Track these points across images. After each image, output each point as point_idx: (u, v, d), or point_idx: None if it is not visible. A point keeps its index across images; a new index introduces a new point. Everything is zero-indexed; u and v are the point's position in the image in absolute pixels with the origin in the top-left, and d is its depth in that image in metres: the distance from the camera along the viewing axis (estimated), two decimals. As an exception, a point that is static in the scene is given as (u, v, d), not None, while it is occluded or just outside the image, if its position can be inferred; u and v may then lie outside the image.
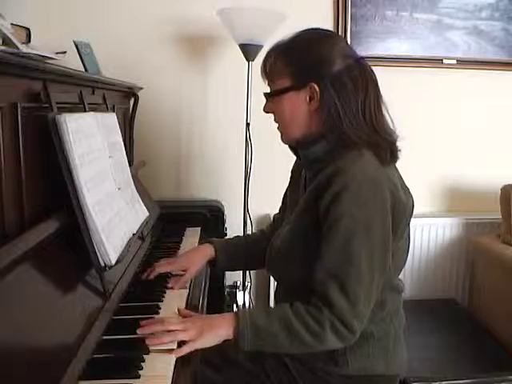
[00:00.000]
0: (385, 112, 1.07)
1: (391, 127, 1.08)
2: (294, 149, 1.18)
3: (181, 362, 0.92)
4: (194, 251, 1.39)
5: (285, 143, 1.16)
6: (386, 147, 1.05)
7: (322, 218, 1.00)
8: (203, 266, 1.34)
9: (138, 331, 0.96)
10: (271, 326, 0.97)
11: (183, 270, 1.29)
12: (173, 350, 0.93)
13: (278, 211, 1.35)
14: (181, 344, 0.95)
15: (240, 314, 1.00)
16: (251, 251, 1.34)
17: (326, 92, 1.02)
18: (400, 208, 1.02)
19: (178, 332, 0.96)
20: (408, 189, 1.09)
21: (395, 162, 1.09)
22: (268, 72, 1.11)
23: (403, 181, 1.09)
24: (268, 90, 1.13)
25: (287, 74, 1.06)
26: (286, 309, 0.99)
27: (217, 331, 0.98)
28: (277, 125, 1.14)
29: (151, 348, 0.93)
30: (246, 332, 0.97)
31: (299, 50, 1.07)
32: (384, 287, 1.05)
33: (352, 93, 1.02)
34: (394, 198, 1.00)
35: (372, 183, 0.98)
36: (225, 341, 1.00)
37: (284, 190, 1.32)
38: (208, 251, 1.34)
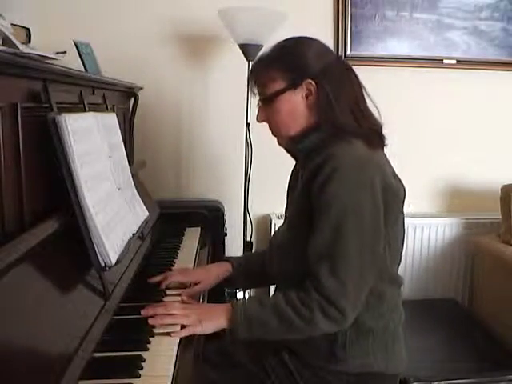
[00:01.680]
0: (368, 101, 1.12)
1: (376, 116, 1.13)
2: (290, 151, 1.19)
3: (181, 362, 0.92)
4: (211, 266, 1.38)
5: (284, 146, 1.18)
6: (374, 134, 1.09)
7: (313, 204, 1.03)
8: (217, 283, 1.31)
9: (141, 311, 1.04)
10: (263, 313, 1.01)
11: (196, 284, 1.27)
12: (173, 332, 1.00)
13: (282, 223, 1.30)
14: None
15: (235, 305, 1.04)
16: (264, 271, 1.29)
17: (322, 86, 1.08)
18: (391, 192, 1.04)
19: (179, 316, 1.02)
20: (398, 177, 1.11)
21: (383, 146, 1.13)
22: (259, 80, 1.15)
23: (393, 169, 1.11)
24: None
25: (280, 77, 1.10)
26: (279, 297, 1.03)
27: (215, 320, 1.03)
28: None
29: (155, 330, 1.00)
30: (239, 321, 1.01)
31: (287, 53, 1.11)
32: (382, 278, 1.06)
33: (342, 84, 1.09)
34: (384, 182, 1.02)
35: (361, 166, 1.01)
36: (227, 341, 1.01)
37: (284, 190, 1.32)
38: (225, 269, 1.32)
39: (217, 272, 1.32)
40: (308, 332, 1.02)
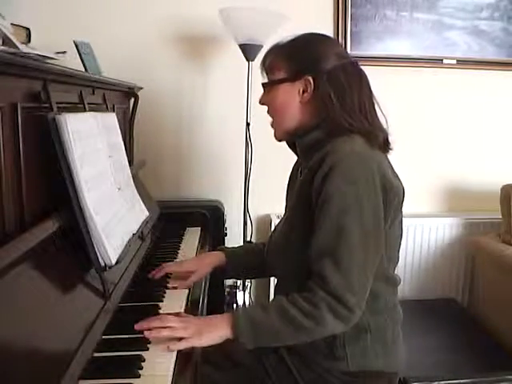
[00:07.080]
0: (378, 110, 1.13)
1: (384, 125, 1.13)
2: (291, 145, 1.21)
3: (181, 362, 0.92)
4: (204, 256, 1.40)
5: (278, 139, 1.19)
6: (377, 135, 1.09)
7: (314, 200, 1.03)
8: (210, 271, 1.32)
9: (135, 326, 0.97)
10: (268, 318, 0.98)
11: (190, 273, 1.28)
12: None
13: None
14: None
15: (236, 313, 1.01)
16: (258, 261, 1.32)
17: (321, 86, 1.08)
18: (390, 189, 1.04)
19: (176, 328, 0.97)
20: (398, 177, 1.11)
21: (386, 152, 1.13)
22: (268, 65, 1.17)
23: (393, 169, 1.11)
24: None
25: (285, 67, 1.12)
26: (282, 299, 1.01)
27: (215, 332, 0.99)
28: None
29: (153, 342, 0.95)
30: (244, 330, 0.98)
31: (298, 46, 1.14)
32: (377, 276, 1.05)
33: (347, 89, 1.09)
34: (384, 178, 1.03)
35: (360, 161, 1.01)
36: (227, 340, 1.00)
37: (284, 190, 1.32)
38: (218, 257, 1.33)
39: (210, 260, 1.33)
40: (317, 333, 0.99)
